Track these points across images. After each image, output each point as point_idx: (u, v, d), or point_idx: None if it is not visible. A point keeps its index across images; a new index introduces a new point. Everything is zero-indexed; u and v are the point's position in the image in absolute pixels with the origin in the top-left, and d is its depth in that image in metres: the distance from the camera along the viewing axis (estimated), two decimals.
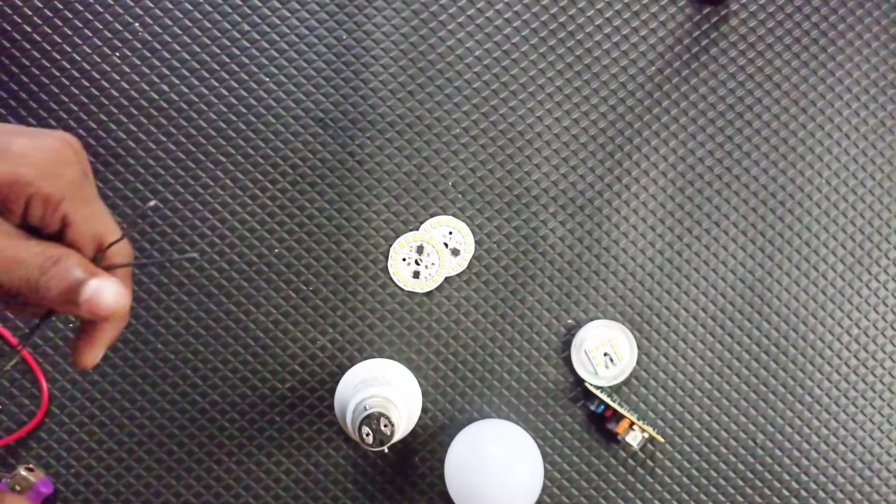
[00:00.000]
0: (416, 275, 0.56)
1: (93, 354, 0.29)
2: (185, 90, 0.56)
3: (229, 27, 0.57)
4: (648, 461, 0.57)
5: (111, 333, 0.29)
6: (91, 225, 0.27)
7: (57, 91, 0.56)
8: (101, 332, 0.29)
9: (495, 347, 0.57)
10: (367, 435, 0.44)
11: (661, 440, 0.56)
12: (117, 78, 0.56)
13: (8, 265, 0.25)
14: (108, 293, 0.26)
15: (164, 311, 0.56)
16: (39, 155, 0.25)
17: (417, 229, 0.57)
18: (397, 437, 0.46)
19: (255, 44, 0.57)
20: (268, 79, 0.57)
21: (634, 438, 0.55)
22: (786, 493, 0.57)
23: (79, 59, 0.56)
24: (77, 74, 0.56)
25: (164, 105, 0.56)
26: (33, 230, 0.27)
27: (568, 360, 0.57)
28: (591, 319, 0.57)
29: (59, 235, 0.27)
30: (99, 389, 0.55)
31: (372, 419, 0.44)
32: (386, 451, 0.47)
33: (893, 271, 0.59)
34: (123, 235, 0.29)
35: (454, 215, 0.57)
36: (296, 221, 0.57)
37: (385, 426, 0.45)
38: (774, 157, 0.58)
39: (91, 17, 0.56)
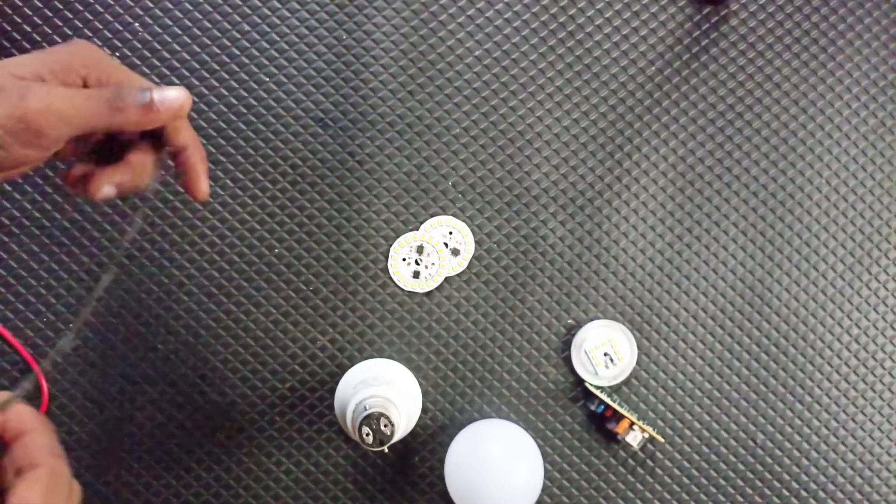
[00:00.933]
0: (416, 275, 0.56)
1: (204, 183, 0.38)
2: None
3: (229, 27, 0.57)
4: (648, 461, 0.57)
5: (199, 155, 0.38)
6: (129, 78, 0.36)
7: None
8: (193, 160, 0.38)
9: (495, 347, 0.57)
10: (368, 435, 0.44)
11: (661, 440, 0.56)
12: None
13: (80, 104, 0.32)
14: (171, 92, 0.35)
15: (163, 311, 0.56)
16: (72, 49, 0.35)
17: (417, 229, 0.57)
18: (397, 437, 0.46)
19: (255, 44, 0.57)
20: (268, 79, 0.57)
21: (634, 438, 0.55)
22: (786, 493, 0.57)
23: None
24: None
25: None
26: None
27: (568, 360, 0.57)
28: (591, 319, 0.57)
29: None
30: (98, 389, 0.55)
31: (372, 419, 0.44)
32: (386, 451, 0.47)
33: (893, 271, 0.58)
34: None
35: (454, 215, 0.57)
36: (296, 221, 0.57)
37: (385, 426, 0.44)
38: (774, 157, 0.58)
39: (91, 17, 0.56)
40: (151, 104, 0.34)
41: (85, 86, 0.34)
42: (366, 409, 0.45)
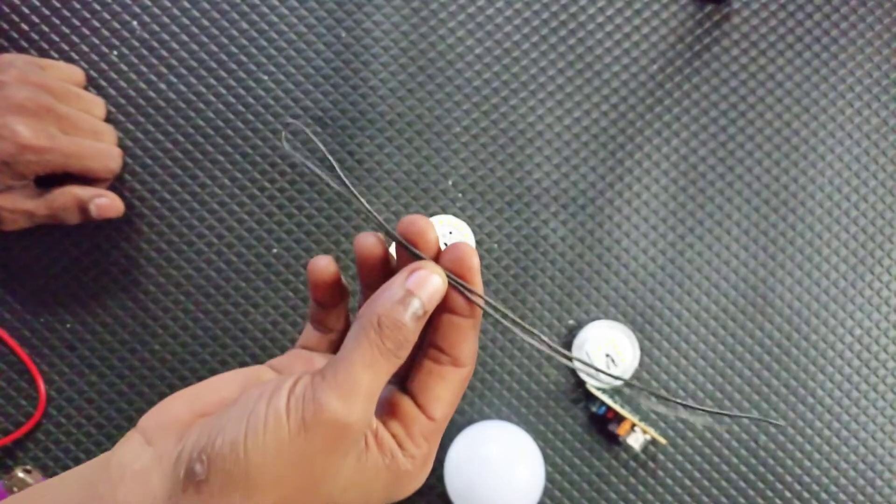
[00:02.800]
0: None
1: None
2: (183, 88, 0.56)
3: (227, 25, 0.56)
4: (650, 463, 0.57)
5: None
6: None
7: None
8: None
9: (496, 348, 0.57)
10: None
11: (664, 442, 0.56)
12: (115, 76, 0.55)
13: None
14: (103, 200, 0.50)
15: (161, 312, 0.55)
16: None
17: None
18: None
19: (254, 41, 0.56)
20: (266, 76, 0.56)
21: (636, 440, 0.55)
22: (788, 494, 0.57)
23: (76, 57, 0.55)
24: None
25: (162, 103, 0.56)
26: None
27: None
28: (593, 320, 0.57)
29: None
30: (97, 391, 0.55)
31: None
32: None
33: None
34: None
35: (454, 215, 0.57)
36: (294, 221, 0.56)
37: None
38: (777, 157, 0.58)
39: (88, 16, 0.56)
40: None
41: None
42: None
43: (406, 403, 0.31)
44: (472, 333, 0.31)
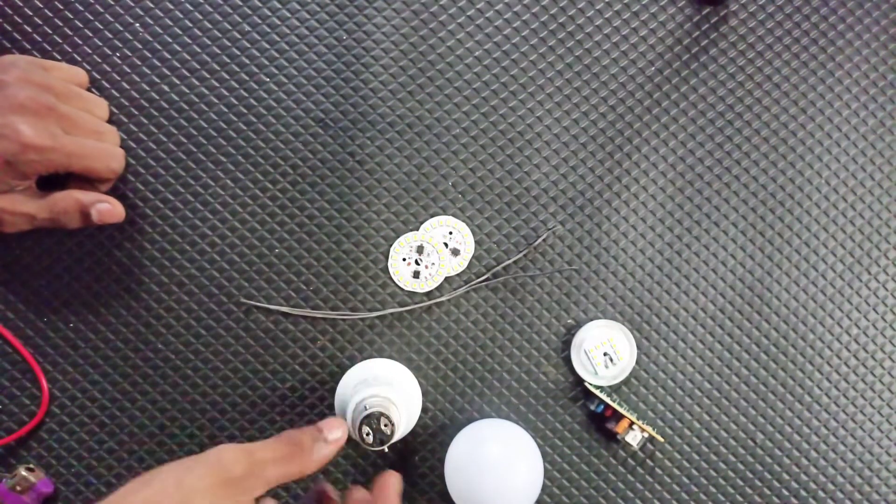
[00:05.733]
0: (416, 275, 0.57)
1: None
2: (186, 90, 0.56)
3: (230, 27, 0.57)
4: (648, 461, 0.57)
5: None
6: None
7: None
8: None
9: (495, 347, 0.57)
10: (368, 434, 0.44)
11: (661, 440, 0.56)
12: (118, 78, 0.56)
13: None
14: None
15: (164, 311, 0.56)
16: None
17: (417, 229, 0.57)
18: (397, 436, 0.46)
19: (256, 44, 0.57)
20: (268, 79, 0.57)
21: (634, 438, 0.55)
22: (785, 492, 0.57)
23: (79, 59, 0.56)
24: None
25: (165, 105, 0.56)
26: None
27: (568, 360, 0.57)
28: (591, 319, 0.57)
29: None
30: (99, 389, 0.55)
31: (372, 418, 0.44)
32: (386, 450, 0.47)
33: (893, 271, 0.59)
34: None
35: (454, 215, 0.57)
36: (296, 221, 0.57)
37: (385, 426, 0.44)
38: (774, 158, 0.58)
39: (91, 18, 0.56)
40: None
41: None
42: (366, 408, 0.45)
43: None
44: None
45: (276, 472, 0.38)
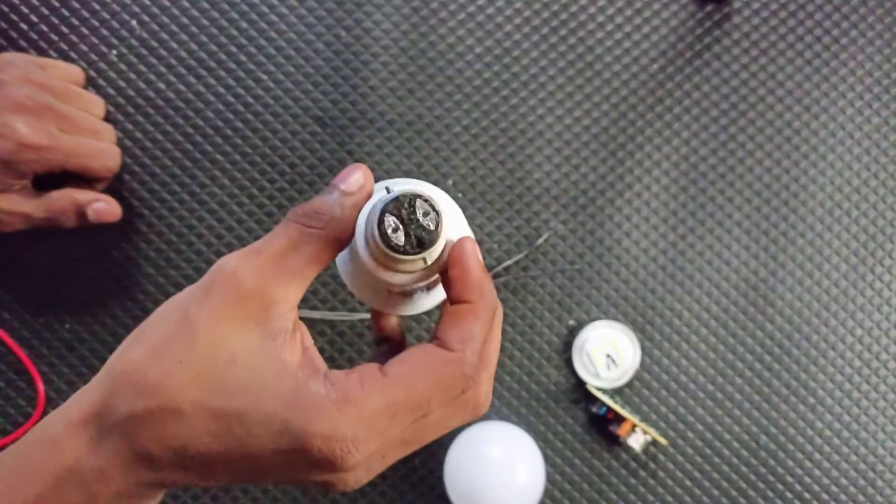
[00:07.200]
0: None
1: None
2: (183, 88, 0.56)
3: (227, 24, 0.56)
4: (651, 464, 0.57)
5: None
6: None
7: None
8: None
9: None
10: (394, 231, 0.27)
11: (664, 442, 0.56)
12: (114, 76, 0.55)
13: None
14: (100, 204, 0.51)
15: None
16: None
17: None
18: (440, 245, 0.28)
19: (253, 41, 0.56)
20: (265, 76, 0.56)
21: (637, 441, 0.54)
22: (789, 495, 0.57)
23: (76, 57, 0.55)
24: None
25: (162, 103, 0.56)
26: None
27: (569, 362, 0.56)
28: (593, 320, 0.57)
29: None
30: None
31: (401, 203, 0.27)
32: (427, 262, 0.28)
33: None
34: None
35: None
36: None
37: (426, 214, 0.27)
38: (777, 156, 0.58)
39: (88, 15, 0.55)
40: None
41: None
42: (388, 191, 0.29)
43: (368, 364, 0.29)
44: (461, 319, 0.29)
45: (294, 264, 0.28)
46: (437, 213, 0.27)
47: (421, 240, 0.27)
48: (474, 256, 0.29)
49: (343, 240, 0.28)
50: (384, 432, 0.26)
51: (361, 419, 0.26)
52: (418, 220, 0.27)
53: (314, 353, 0.28)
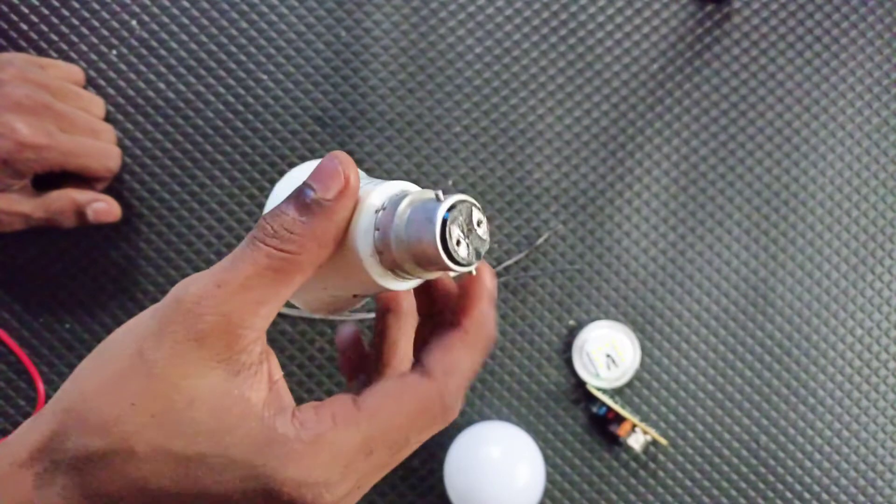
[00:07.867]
0: None
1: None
2: (182, 88, 0.56)
3: (227, 24, 0.56)
4: (651, 464, 0.57)
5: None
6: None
7: None
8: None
9: (496, 348, 0.56)
10: (458, 244, 0.25)
11: (664, 442, 0.56)
12: (113, 76, 0.55)
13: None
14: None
15: None
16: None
17: None
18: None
19: (253, 41, 0.56)
20: (265, 76, 0.56)
21: (637, 441, 0.54)
22: (789, 495, 0.57)
23: (75, 56, 0.55)
24: None
25: (161, 103, 0.56)
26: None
27: (569, 362, 0.56)
28: (593, 320, 0.56)
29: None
30: None
31: (460, 213, 0.25)
32: (474, 272, 0.26)
33: None
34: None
35: None
36: None
37: (479, 223, 0.26)
38: (778, 156, 0.58)
39: (88, 15, 0.55)
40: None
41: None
42: (439, 198, 0.25)
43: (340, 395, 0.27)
44: (450, 348, 0.27)
45: (262, 293, 0.24)
46: (485, 221, 0.26)
47: (478, 251, 0.25)
48: (489, 294, 0.28)
49: (323, 259, 0.25)
50: (359, 469, 0.25)
51: (335, 461, 0.24)
52: (475, 230, 0.25)
53: (282, 387, 0.26)
